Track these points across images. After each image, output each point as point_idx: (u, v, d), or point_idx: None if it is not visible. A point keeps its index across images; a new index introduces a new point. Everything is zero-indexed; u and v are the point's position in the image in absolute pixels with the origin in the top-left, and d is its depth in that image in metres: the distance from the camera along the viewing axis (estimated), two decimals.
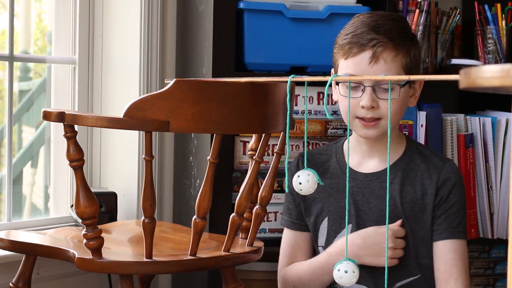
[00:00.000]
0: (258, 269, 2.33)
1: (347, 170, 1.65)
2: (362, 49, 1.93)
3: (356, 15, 2.02)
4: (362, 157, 2.02)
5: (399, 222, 1.96)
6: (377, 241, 1.92)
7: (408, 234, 1.97)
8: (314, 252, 2.10)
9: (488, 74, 0.94)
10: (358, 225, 1.98)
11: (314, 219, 2.05)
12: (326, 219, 2.03)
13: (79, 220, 1.70)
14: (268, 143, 2.10)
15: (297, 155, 2.14)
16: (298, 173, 1.55)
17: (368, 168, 2.02)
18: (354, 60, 1.94)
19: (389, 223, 1.94)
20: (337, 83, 1.97)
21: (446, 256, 1.95)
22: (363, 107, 1.92)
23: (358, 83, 1.92)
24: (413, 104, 2.03)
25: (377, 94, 1.92)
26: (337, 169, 2.05)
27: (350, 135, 2.11)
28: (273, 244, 2.24)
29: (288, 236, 2.11)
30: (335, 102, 2.04)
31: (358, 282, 1.75)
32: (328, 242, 2.03)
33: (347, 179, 1.62)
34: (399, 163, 2.01)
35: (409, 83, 1.98)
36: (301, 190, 1.55)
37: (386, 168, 1.98)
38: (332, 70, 2.04)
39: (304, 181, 1.54)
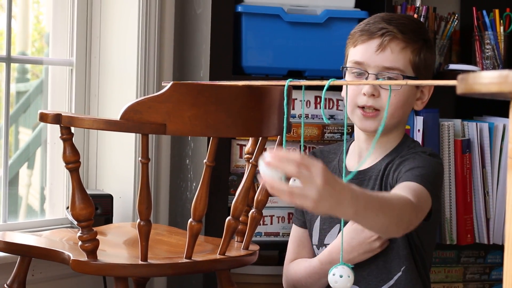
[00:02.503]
0: (254, 272, 2.32)
1: (343, 172, 1.65)
2: (371, 37, 1.93)
3: None
4: (359, 156, 2.01)
5: None
6: (360, 240, 1.91)
7: None
8: None
9: (485, 80, 0.94)
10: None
11: (310, 218, 2.06)
12: (318, 218, 2.04)
13: (75, 222, 1.70)
14: (265, 147, 2.10)
15: (310, 153, 2.16)
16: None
17: (362, 166, 2.01)
18: (362, 46, 1.94)
19: None
20: (344, 72, 1.97)
21: (408, 185, 1.78)
22: (364, 94, 1.91)
23: (364, 70, 1.92)
24: (420, 108, 2.01)
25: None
26: (336, 168, 2.05)
27: (347, 137, 2.11)
28: (268, 248, 2.24)
29: (294, 232, 2.12)
30: (332, 107, 2.04)
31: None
32: (320, 241, 2.03)
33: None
34: (387, 157, 1.99)
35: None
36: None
37: (374, 164, 1.98)
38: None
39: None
